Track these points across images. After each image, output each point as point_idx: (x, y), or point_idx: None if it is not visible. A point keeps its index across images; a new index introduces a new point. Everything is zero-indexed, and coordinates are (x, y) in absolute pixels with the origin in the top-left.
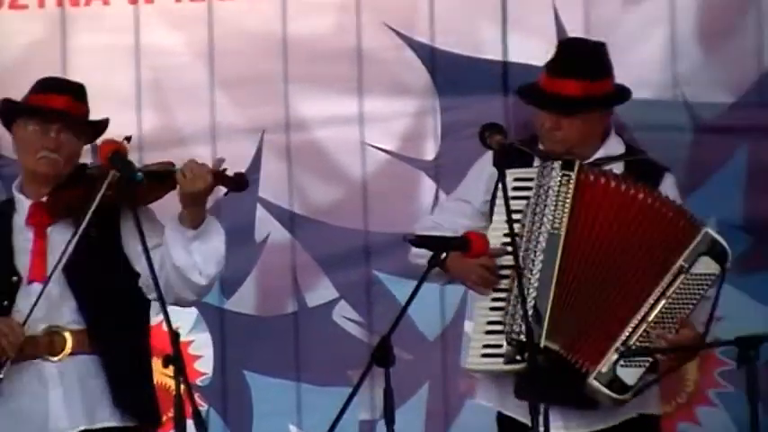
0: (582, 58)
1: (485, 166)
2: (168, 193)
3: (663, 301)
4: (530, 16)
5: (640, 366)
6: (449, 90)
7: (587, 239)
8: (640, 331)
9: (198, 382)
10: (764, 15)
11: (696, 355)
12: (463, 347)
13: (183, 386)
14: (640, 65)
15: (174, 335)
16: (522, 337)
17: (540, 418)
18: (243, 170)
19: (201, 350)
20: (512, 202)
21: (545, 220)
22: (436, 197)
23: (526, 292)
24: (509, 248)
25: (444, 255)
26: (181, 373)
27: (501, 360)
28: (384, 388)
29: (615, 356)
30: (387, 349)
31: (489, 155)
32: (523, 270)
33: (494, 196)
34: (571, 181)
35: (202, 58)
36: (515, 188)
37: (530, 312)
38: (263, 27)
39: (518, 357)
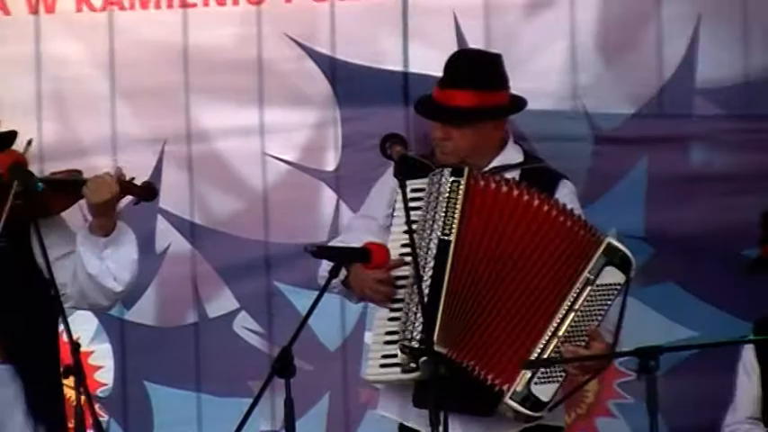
0: (472, 69)
1: (387, 180)
2: (77, 202)
3: (572, 315)
4: (430, 27)
5: (554, 382)
6: (349, 101)
7: (479, 245)
8: (552, 346)
9: (98, 392)
10: (664, 28)
11: (607, 366)
12: (364, 358)
13: (83, 397)
14: (540, 75)
15: (75, 345)
16: (415, 344)
17: (441, 428)
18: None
19: (102, 361)
20: (411, 213)
21: (435, 226)
22: (337, 208)
23: (417, 299)
24: (407, 259)
25: (346, 272)
26: (81, 383)
27: (398, 369)
28: (285, 399)
29: (529, 374)
30: (287, 360)
31: (391, 170)
32: (419, 279)
33: (394, 209)
34: (461, 187)
35: (103, 68)
36: (413, 199)
37: (421, 319)
38: (164, 37)
39: (412, 365)
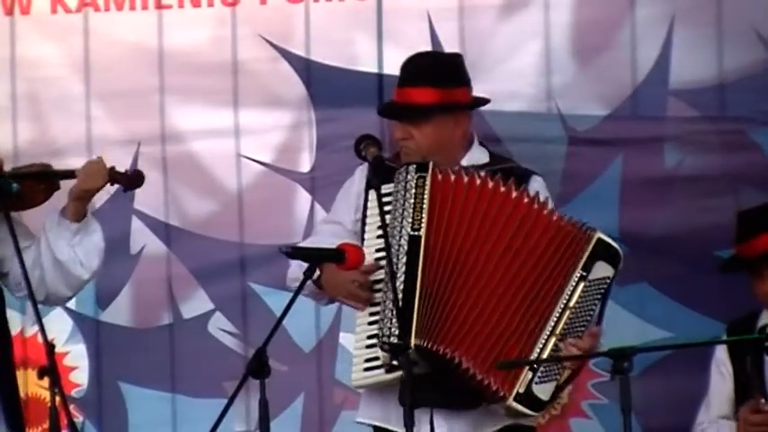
0: (430, 67)
1: (351, 186)
2: (53, 194)
3: (567, 313)
4: (405, 29)
5: (553, 380)
6: (324, 102)
7: (451, 238)
8: (550, 345)
9: (73, 393)
10: (638, 30)
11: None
12: (338, 359)
13: (58, 398)
14: (515, 77)
15: (50, 346)
16: (393, 339)
17: (415, 429)
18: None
19: (77, 362)
20: (378, 218)
21: (405, 222)
22: (312, 209)
23: (393, 296)
24: (382, 263)
25: (318, 273)
26: (56, 384)
27: (382, 370)
28: (259, 399)
29: (530, 375)
30: (262, 361)
31: (356, 175)
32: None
33: (364, 214)
34: (426, 182)
35: (78, 69)
36: (384, 203)
37: (396, 314)
38: (138, 39)
39: (394, 362)
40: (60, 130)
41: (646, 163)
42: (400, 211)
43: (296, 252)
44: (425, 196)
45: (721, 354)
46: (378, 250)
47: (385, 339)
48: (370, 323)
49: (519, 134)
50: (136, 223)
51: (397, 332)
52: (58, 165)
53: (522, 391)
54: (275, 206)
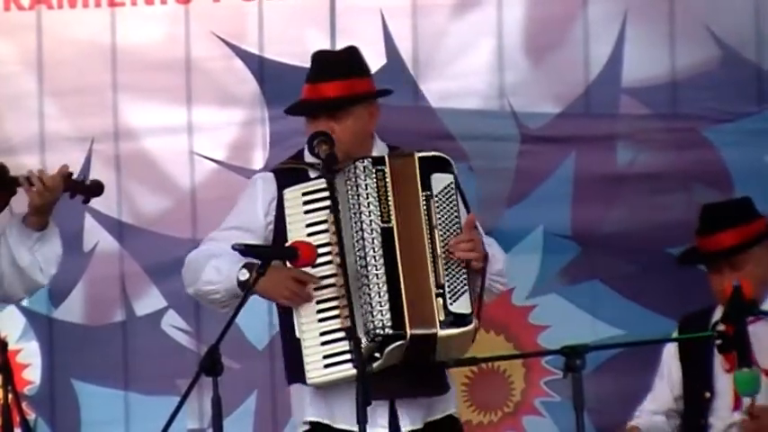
0: (335, 62)
1: (255, 193)
2: (10, 199)
3: (436, 232)
4: (358, 26)
5: (464, 292)
6: (277, 100)
7: (415, 224)
8: (440, 266)
9: (26, 390)
10: (591, 27)
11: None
12: None
13: (10, 395)
14: (468, 75)
15: (2, 344)
16: (389, 331)
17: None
18: None
19: (30, 359)
20: (307, 215)
21: (372, 217)
22: None
23: (377, 288)
24: (325, 258)
25: (253, 274)
26: (8, 381)
27: (348, 366)
28: (212, 397)
29: (441, 300)
30: (215, 358)
31: (258, 183)
32: (361, 270)
33: (279, 217)
34: (386, 175)
35: (31, 66)
36: (306, 202)
37: (387, 306)
38: (92, 36)
39: (376, 355)
40: (13, 128)
41: (598, 161)
42: (362, 206)
43: (249, 249)
44: (389, 189)
45: (672, 350)
46: (318, 246)
47: (380, 332)
48: (321, 319)
49: (472, 132)
50: (89, 221)
51: (390, 324)
52: (12, 162)
53: (443, 317)
54: (228, 203)
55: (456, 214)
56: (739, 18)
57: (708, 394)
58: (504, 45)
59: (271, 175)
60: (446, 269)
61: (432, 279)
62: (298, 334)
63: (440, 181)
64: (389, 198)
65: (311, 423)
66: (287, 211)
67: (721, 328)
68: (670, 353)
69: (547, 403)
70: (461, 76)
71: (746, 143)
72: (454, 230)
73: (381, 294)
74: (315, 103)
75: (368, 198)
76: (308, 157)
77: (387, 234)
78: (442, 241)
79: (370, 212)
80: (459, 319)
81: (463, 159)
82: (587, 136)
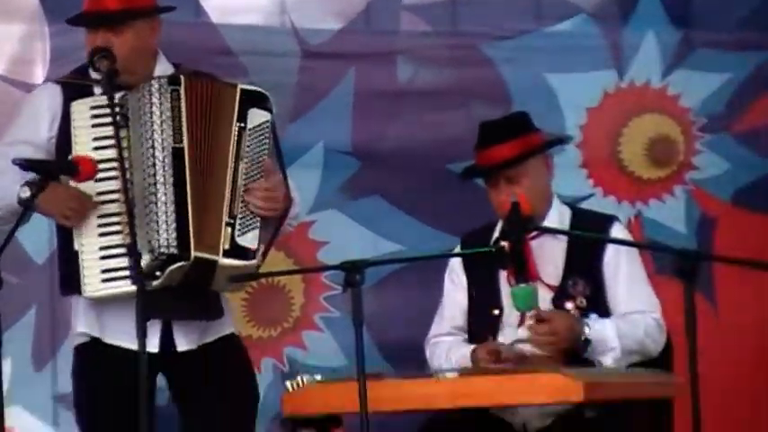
0: None
1: (39, 104)
2: None
3: (241, 164)
4: None
5: (254, 228)
6: (58, 14)
7: (221, 151)
8: (237, 198)
9: None
10: None
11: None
12: None
13: None
14: None
15: None
16: (173, 251)
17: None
18: None
19: None
20: (94, 130)
21: (165, 136)
22: None
23: (164, 208)
24: (109, 174)
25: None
26: None
27: (127, 282)
28: None
29: (229, 230)
30: None
31: (42, 93)
32: (149, 189)
33: (63, 131)
34: (181, 96)
35: None
36: (94, 116)
37: (174, 226)
38: None
39: (157, 273)
40: None
41: (379, 77)
42: (149, 122)
43: (29, 164)
44: (182, 109)
45: (456, 266)
46: (100, 161)
47: (164, 250)
48: (102, 234)
49: (252, 47)
50: None
51: (175, 243)
52: None
53: (227, 247)
54: (7, 119)
55: (265, 153)
56: None
57: (496, 311)
58: None
59: (56, 87)
60: (242, 203)
61: (225, 208)
62: (76, 246)
63: (256, 116)
64: (183, 119)
65: (84, 335)
66: (73, 124)
67: (503, 244)
68: (454, 270)
69: (326, 318)
70: None
71: (525, 60)
72: (260, 168)
73: (168, 214)
74: (95, 14)
75: (161, 117)
76: (93, 74)
77: (177, 154)
78: (245, 175)
79: (162, 131)
80: (242, 252)
81: (244, 75)
82: (368, 52)
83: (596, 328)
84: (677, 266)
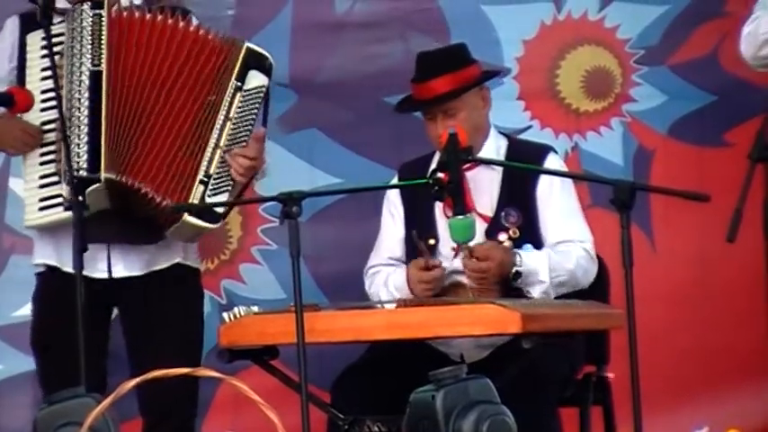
0: None
1: (2, 37)
2: None
3: (228, 124)
4: None
5: (225, 191)
6: None
7: (131, 73)
8: (217, 157)
9: None
10: None
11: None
12: (8, 204)
13: None
14: None
15: None
16: (83, 173)
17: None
18: None
19: None
20: (42, 60)
21: (84, 59)
22: None
23: (77, 131)
24: (47, 104)
25: None
26: None
27: (61, 209)
28: None
29: (202, 188)
30: None
31: (6, 27)
32: (71, 113)
33: (23, 59)
34: (103, 19)
35: None
36: (44, 47)
37: (85, 149)
38: None
39: (80, 198)
40: None
41: (316, 8)
42: (78, 48)
43: None
44: (104, 33)
45: (393, 197)
46: (44, 91)
47: (75, 174)
48: (42, 163)
49: None
50: None
51: (86, 166)
52: None
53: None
54: None
55: (253, 118)
56: None
57: (432, 241)
58: None
59: (16, 19)
60: (222, 164)
61: (204, 165)
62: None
63: (254, 79)
64: (102, 42)
65: (41, 265)
66: (27, 56)
67: (440, 175)
68: (392, 201)
69: (264, 251)
70: None
71: None
72: (247, 132)
73: (81, 137)
74: None
75: (82, 42)
76: (60, 2)
77: (95, 77)
78: (230, 137)
79: (82, 55)
80: (209, 214)
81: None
82: None
83: (528, 260)
84: (613, 197)
